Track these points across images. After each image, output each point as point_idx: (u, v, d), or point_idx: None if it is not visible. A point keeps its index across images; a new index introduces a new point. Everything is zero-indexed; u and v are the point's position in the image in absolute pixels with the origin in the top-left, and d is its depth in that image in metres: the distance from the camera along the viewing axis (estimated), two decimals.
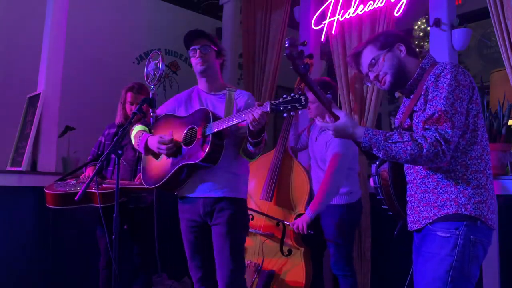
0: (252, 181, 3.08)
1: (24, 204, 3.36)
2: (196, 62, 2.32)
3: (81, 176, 3.04)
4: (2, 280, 3.19)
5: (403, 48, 1.75)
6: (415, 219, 1.69)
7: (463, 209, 1.58)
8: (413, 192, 1.71)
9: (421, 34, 5.03)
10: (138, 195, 2.93)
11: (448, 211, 1.60)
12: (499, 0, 2.77)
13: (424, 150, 1.53)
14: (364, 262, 3.38)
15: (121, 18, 5.00)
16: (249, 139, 2.10)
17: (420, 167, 1.68)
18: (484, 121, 1.68)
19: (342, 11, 3.61)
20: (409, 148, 1.55)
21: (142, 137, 2.32)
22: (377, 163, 1.73)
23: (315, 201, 2.78)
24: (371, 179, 1.77)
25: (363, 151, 1.67)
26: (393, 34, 1.81)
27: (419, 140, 1.55)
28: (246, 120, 2.02)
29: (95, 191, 2.65)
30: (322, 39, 3.78)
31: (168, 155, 2.24)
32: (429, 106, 1.60)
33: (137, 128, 2.42)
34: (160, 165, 2.31)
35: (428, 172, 1.66)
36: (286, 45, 1.58)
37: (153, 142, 2.25)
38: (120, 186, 2.10)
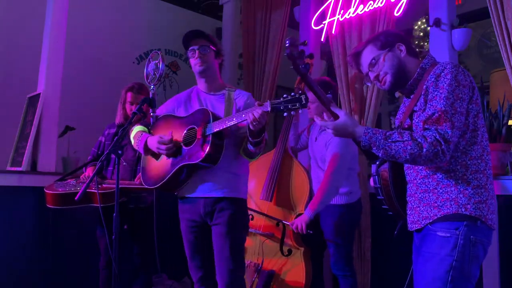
0: (252, 181, 3.08)
1: (24, 204, 3.35)
2: (195, 63, 2.31)
3: (81, 176, 3.04)
4: (2, 280, 3.18)
5: (403, 48, 1.75)
6: (415, 219, 1.69)
7: (463, 209, 1.58)
8: (413, 192, 1.71)
9: (421, 34, 5.03)
10: (138, 195, 2.93)
11: (448, 211, 1.60)
12: (499, 0, 2.77)
13: (424, 149, 1.53)
14: (364, 262, 3.38)
15: (121, 18, 5.01)
16: (250, 138, 2.10)
17: (420, 167, 1.68)
18: (484, 121, 1.68)
19: (342, 11, 3.61)
20: (409, 147, 1.55)
21: (142, 138, 2.32)
22: (377, 163, 1.73)
23: (314, 201, 2.78)
24: (371, 179, 1.77)
25: (362, 150, 1.67)
26: (394, 34, 1.81)
27: (419, 140, 1.55)
28: (246, 120, 2.02)
29: (95, 191, 2.65)
30: (322, 39, 3.78)
31: (168, 155, 2.24)
32: (429, 106, 1.60)
33: (136, 129, 2.42)
34: (160, 165, 2.30)
35: (428, 172, 1.66)
36: (287, 44, 1.58)
37: (152, 142, 2.24)
38: (120, 186, 2.10)
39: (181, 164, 2.18)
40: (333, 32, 3.69)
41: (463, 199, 1.59)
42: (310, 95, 2.21)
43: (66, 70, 3.74)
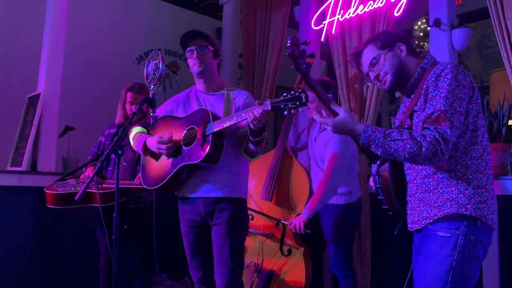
0: (252, 181, 3.08)
1: (24, 204, 3.35)
2: (193, 63, 2.31)
3: (81, 176, 3.04)
4: (2, 280, 3.18)
5: (403, 47, 1.75)
6: (415, 219, 1.69)
7: (463, 209, 1.58)
8: (413, 192, 1.71)
9: (421, 34, 5.04)
10: (138, 195, 2.93)
11: (449, 211, 1.59)
12: (499, 0, 2.78)
13: (423, 148, 1.53)
14: (364, 262, 3.38)
15: (121, 18, 5.01)
16: (250, 138, 2.10)
17: (421, 167, 1.67)
18: (484, 121, 1.68)
19: (342, 11, 3.61)
20: (408, 146, 1.55)
21: (141, 138, 2.31)
22: (378, 163, 1.73)
23: (312, 200, 2.78)
24: (371, 179, 1.77)
25: (362, 149, 1.66)
26: (394, 34, 1.80)
27: (418, 139, 1.55)
28: (246, 119, 2.02)
29: (95, 191, 2.65)
30: (322, 39, 3.78)
31: (168, 155, 2.23)
32: (428, 105, 1.60)
33: (135, 130, 2.41)
34: (160, 166, 2.30)
35: (429, 172, 1.66)
36: (288, 44, 1.58)
37: (152, 142, 2.24)
38: (120, 186, 2.10)
39: (181, 164, 2.18)
40: (333, 32, 3.69)
41: (463, 199, 1.59)
42: (311, 94, 2.21)
43: (66, 70, 3.74)
